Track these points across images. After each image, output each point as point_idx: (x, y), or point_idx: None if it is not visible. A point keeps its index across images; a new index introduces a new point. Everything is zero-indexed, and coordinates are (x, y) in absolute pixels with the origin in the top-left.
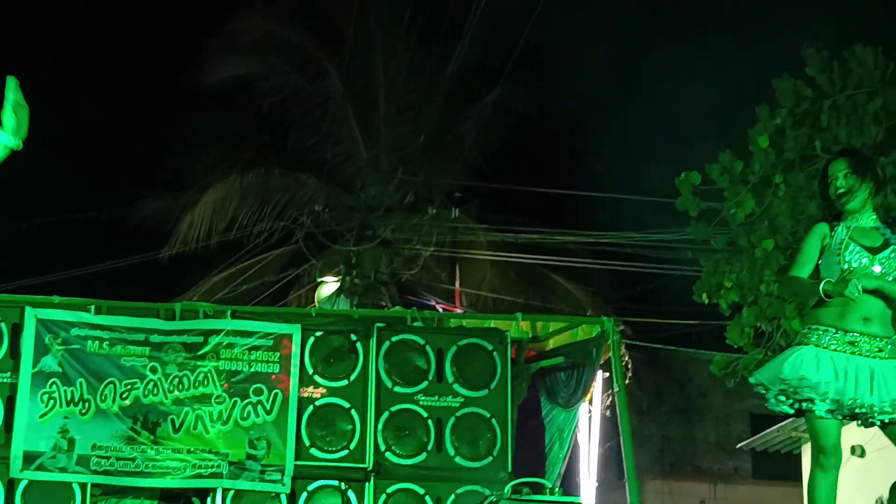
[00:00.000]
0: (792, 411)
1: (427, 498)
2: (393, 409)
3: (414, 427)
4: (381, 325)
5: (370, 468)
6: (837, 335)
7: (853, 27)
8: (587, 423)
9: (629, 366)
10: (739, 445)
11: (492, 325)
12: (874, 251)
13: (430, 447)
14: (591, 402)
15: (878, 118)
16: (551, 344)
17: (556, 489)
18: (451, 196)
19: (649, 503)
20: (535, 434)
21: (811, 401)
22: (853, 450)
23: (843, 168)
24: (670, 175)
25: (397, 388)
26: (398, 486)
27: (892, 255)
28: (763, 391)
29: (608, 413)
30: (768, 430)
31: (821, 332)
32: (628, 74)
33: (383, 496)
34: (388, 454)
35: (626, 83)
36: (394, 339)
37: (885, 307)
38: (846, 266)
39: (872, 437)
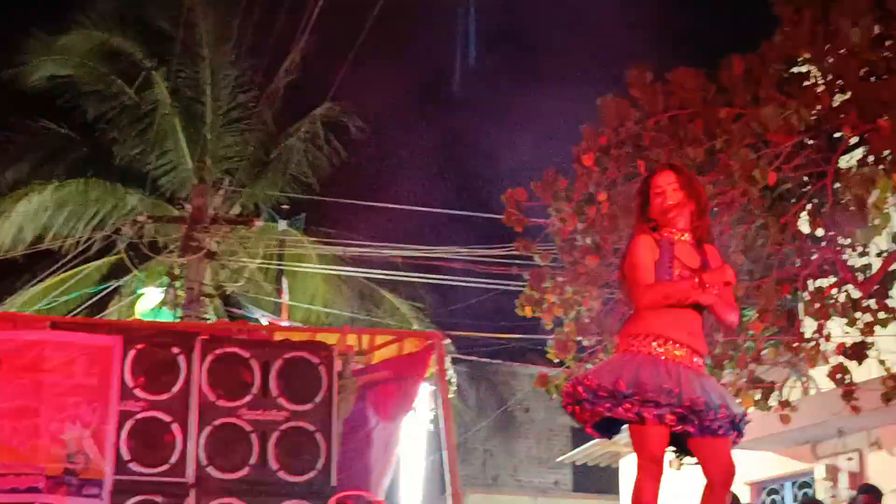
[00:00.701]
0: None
1: None
2: (216, 422)
3: (237, 441)
4: (205, 337)
5: (191, 483)
6: (668, 344)
7: (676, 50)
8: (412, 437)
9: (453, 380)
10: (560, 459)
11: (318, 339)
12: (694, 273)
13: (253, 461)
14: (416, 416)
15: (698, 140)
16: (377, 357)
17: (381, 501)
18: (278, 209)
19: None
20: (360, 447)
21: (652, 405)
22: (671, 463)
23: (671, 181)
24: (498, 192)
25: (220, 402)
26: (219, 500)
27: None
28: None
29: (432, 427)
30: (588, 444)
31: (650, 340)
32: (459, 91)
33: None
34: (209, 468)
35: (457, 100)
36: (218, 351)
37: (701, 327)
38: None
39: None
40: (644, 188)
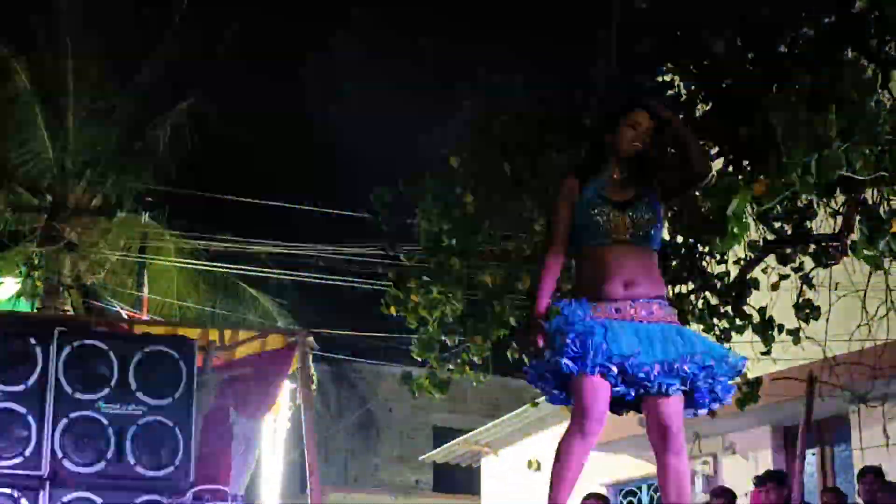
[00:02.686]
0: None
1: None
2: (72, 415)
3: (94, 435)
4: (63, 329)
5: (45, 476)
6: (601, 304)
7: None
8: (272, 434)
9: (316, 378)
10: (421, 458)
11: (179, 333)
12: (624, 204)
13: (109, 455)
14: (277, 414)
15: (565, 146)
16: (240, 353)
17: (239, 497)
18: (141, 201)
19: None
20: (220, 444)
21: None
22: (529, 464)
23: (647, 124)
24: (366, 190)
25: (77, 395)
26: (74, 494)
27: (643, 205)
28: (541, 380)
29: (293, 425)
30: (450, 444)
31: (583, 303)
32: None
33: None
34: (65, 462)
35: (329, 97)
36: (75, 343)
37: (648, 267)
38: (593, 220)
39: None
40: (615, 117)
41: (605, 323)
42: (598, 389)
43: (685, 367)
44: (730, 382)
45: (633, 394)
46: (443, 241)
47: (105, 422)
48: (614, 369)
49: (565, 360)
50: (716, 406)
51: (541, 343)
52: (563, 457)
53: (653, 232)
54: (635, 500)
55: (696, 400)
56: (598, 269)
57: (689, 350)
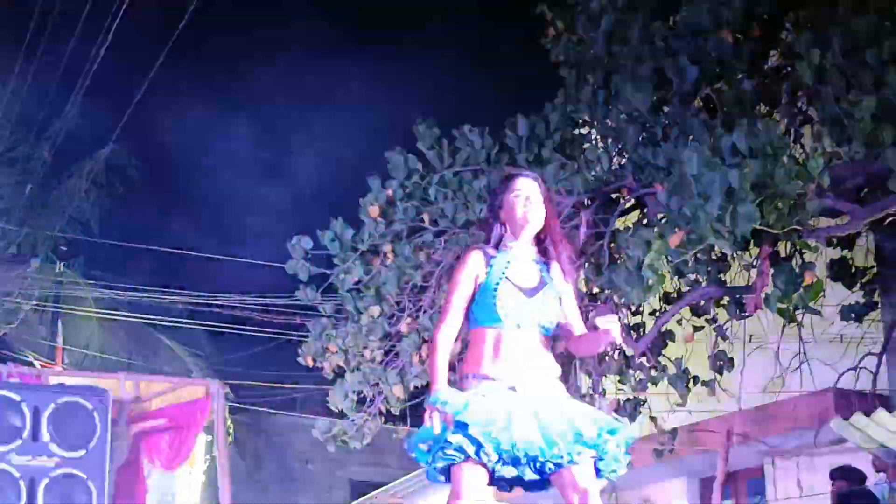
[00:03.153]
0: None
1: None
2: None
3: (5, 487)
4: None
5: None
6: (495, 383)
7: (463, 108)
8: (188, 487)
9: (231, 430)
10: None
11: (94, 384)
12: (531, 292)
13: None
14: (192, 465)
15: (481, 196)
16: (155, 405)
17: None
18: (56, 250)
19: None
20: (134, 495)
21: (478, 450)
22: None
23: (537, 191)
24: (283, 240)
25: None
26: None
27: (546, 295)
28: (422, 453)
29: (209, 477)
30: (367, 496)
31: (478, 381)
32: (248, 139)
33: None
34: None
35: (246, 149)
36: None
37: (544, 351)
38: (499, 304)
39: None
40: (502, 190)
41: (501, 407)
42: (476, 477)
43: (587, 436)
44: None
45: (534, 473)
46: (361, 291)
47: (17, 474)
48: (509, 457)
49: (456, 449)
50: (612, 476)
51: (437, 428)
52: None
53: (553, 320)
54: None
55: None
56: (496, 350)
57: (586, 421)
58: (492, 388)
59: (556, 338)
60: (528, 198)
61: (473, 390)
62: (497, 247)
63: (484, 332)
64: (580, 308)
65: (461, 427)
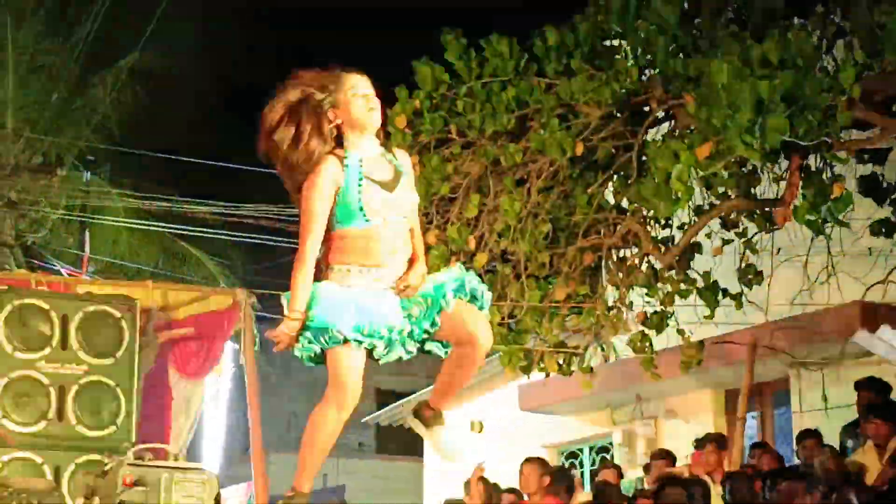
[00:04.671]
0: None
1: (45, 467)
2: (12, 375)
3: (34, 394)
4: (3, 288)
5: None
6: (362, 271)
7: (491, 19)
8: (215, 395)
9: (258, 339)
10: (364, 420)
11: (122, 293)
12: (390, 185)
13: (50, 415)
14: (219, 374)
15: (510, 107)
16: (182, 314)
17: (181, 456)
18: (82, 159)
19: (273, 476)
20: (161, 404)
21: (338, 334)
22: (472, 425)
23: (369, 85)
24: None
25: (18, 354)
26: (15, 454)
27: (404, 185)
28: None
29: (236, 385)
30: (393, 406)
31: (345, 271)
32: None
33: None
34: (5, 421)
35: (268, 58)
36: (16, 302)
37: (408, 240)
38: (364, 205)
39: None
40: (329, 89)
41: (364, 293)
42: (354, 360)
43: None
44: None
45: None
46: None
47: (46, 381)
48: (378, 334)
49: (321, 322)
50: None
51: (285, 342)
52: (317, 429)
53: (414, 207)
54: (577, 462)
55: None
56: (361, 246)
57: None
58: (362, 278)
59: None
60: (370, 96)
61: (342, 281)
62: (341, 145)
63: (347, 233)
64: (609, 220)
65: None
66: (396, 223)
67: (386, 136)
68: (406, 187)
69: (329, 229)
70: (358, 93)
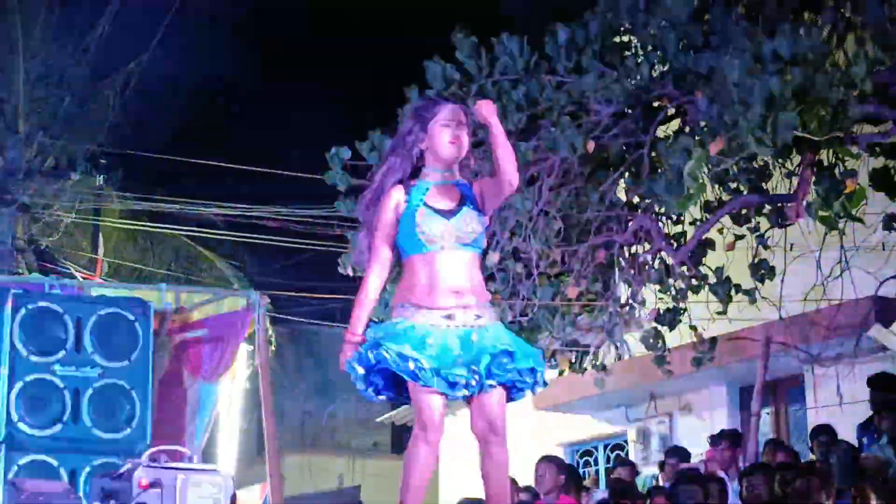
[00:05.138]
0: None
1: (61, 469)
2: (27, 378)
3: (49, 397)
4: (18, 291)
5: (1, 439)
6: (431, 312)
7: (501, 18)
8: (229, 397)
9: (273, 340)
10: (379, 419)
11: (136, 295)
12: (450, 213)
13: (66, 418)
14: (233, 376)
15: (520, 106)
16: (196, 316)
17: (196, 458)
18: (95, 162)
19: (288, 478)
20: (176, 406)
21: (415, 373)
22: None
23: (463, 120)
24: (320, 151)
25: (33, 357)
26: (31, 457)
27: (468, 214)
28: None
29: (250, 387)
30: (407, 406)
31: (412, 310)
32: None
33: (15, 468)
34: (21, 424)
35: (275, 58)
36: (30, 306)
37: (473, 272)
38: (419, 230)
39: None
40: (425, 116)
41: (433, 331)
42: (434, 400)
43: (498, 367)
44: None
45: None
46: None
47: (61, 385)
48: (453, 378)
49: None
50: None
51: (345, 365)
52: (411, 465)
53: (477, 238)
54: (591, 461)
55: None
56: (424, 277)
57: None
58: (423, 316)
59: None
60: (455, 129)
61: (404, 319)
62: (416, 174)
63: (413, 261)
64: (620, 217)
65: (392, 342)
66: (457, 251)
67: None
68: (468, 216)
69: (400, 257)
70: (445, 125)
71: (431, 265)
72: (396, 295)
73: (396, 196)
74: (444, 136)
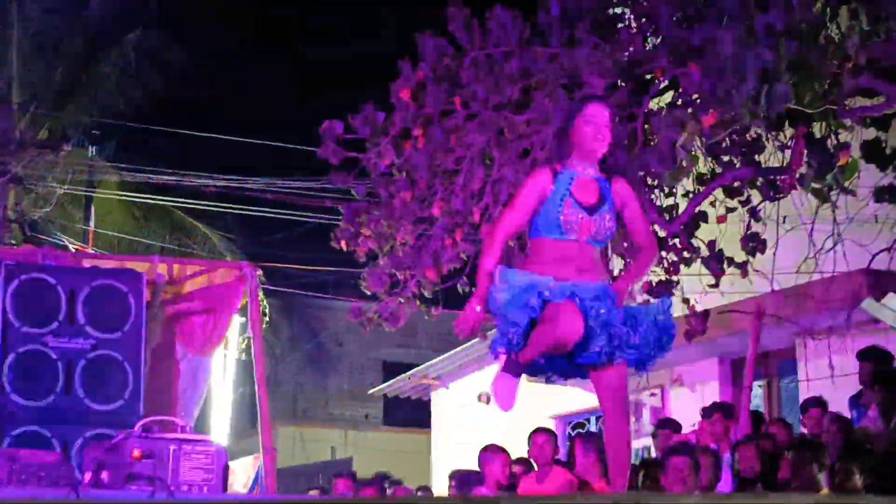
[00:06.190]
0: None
1: (54, 441)
2: (20, 350)
3: (42, 369)
4: (10, 263)
5: None
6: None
7: None
8: (222, 369)
9: (265, 312)
10: (371, 392)
11: (128, 267)
12: (591, 209)
13: (58, 389)
14: (226, 348)
15: (513, 78)
16: (188, 287)
17: (188, 430)
18: (88, 134)
19: (281, 449)
20: (169, 378)
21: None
22: (479, 397)
23: (606, 117)
24: (313, 123)
25: (25, 329)
26: (24, 429)
27: (606, 212)
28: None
29: (243, 358)
30: (399, 378)
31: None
32: (273, 25)
33: (8, 439)
34: (13, 396)
35: (271, 32)
36: (23, 277)
37: (600, 266)
38: (562, 220)
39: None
40: (572, 113)
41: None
42: (577, 324)
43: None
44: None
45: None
46: (393, 175)
47: (54, 356)
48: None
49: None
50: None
51: (466, 331)
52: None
53: (608, 235)
54: (583, 432)
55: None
56: (556, 259)
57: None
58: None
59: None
60: (601, 126)
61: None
62: (562, 162)
63: (544, 242)
64: None
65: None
66: (589, 245)
67: (392, 108)
68: (607, 215)
69: (530, 235)
70: (590, 121)
71: (564, 252)
72: (526, 266)
73: (543, 182)
74: (588, 132)
